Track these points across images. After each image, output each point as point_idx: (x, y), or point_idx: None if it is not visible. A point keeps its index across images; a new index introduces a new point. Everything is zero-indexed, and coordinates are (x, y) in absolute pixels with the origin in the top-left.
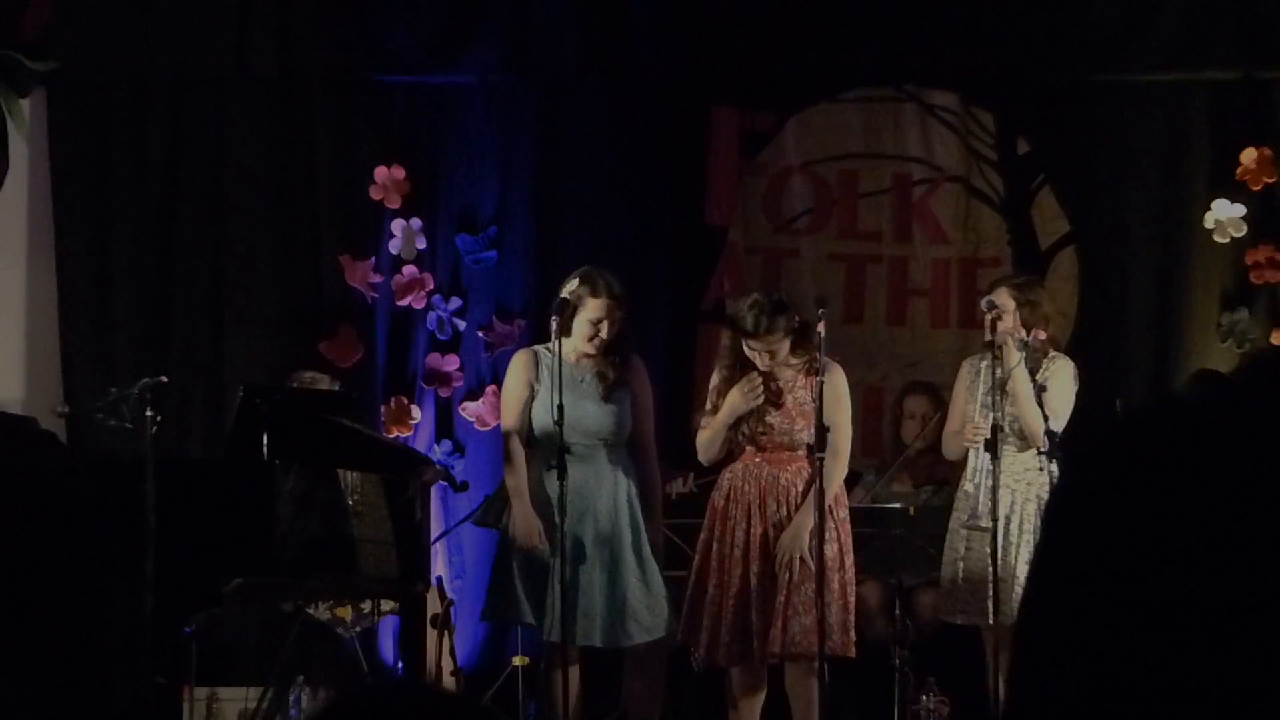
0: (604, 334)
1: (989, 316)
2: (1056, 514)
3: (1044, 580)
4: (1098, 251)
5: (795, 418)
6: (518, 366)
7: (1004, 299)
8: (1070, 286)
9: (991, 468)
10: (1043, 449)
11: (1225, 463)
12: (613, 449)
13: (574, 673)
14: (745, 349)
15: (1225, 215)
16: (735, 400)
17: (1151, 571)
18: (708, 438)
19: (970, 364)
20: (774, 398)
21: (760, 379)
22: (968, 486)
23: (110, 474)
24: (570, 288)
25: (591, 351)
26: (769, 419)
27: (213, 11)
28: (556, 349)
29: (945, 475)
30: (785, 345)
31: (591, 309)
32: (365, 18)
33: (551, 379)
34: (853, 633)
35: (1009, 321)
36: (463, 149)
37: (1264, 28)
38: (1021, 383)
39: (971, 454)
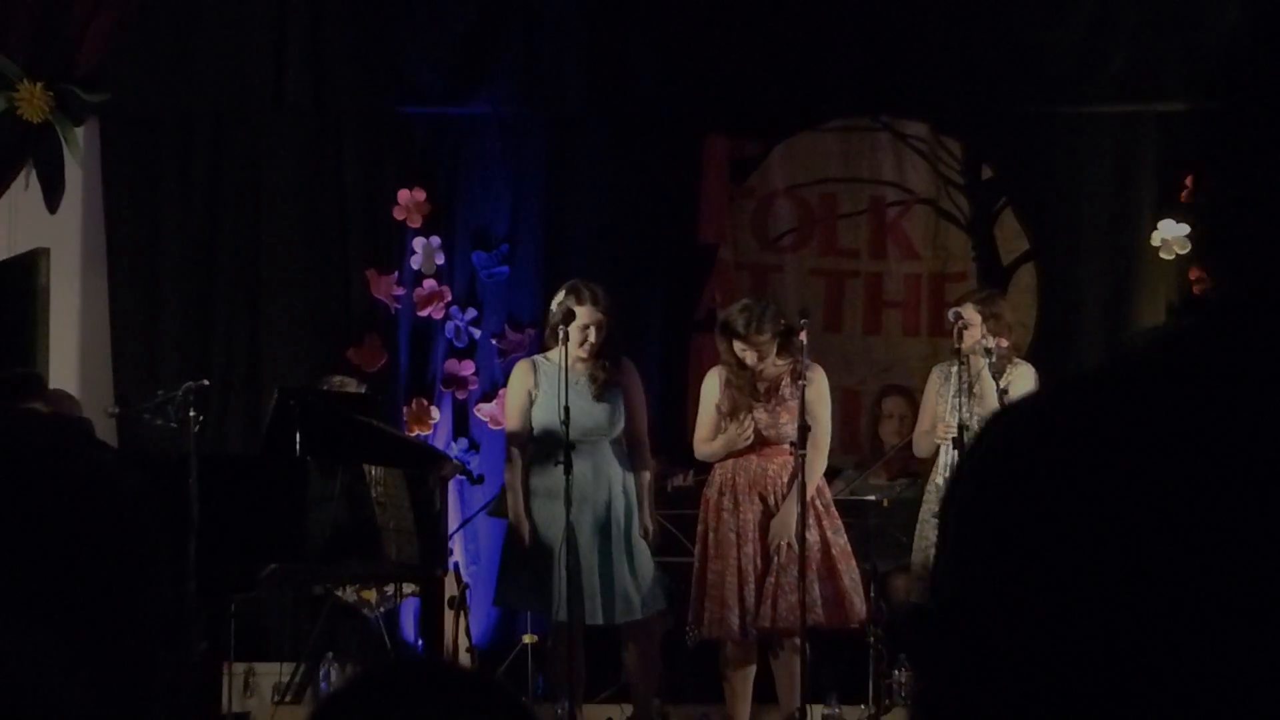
0: (592, 339)
1: (956, 327)
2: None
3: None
4: (1055, 267)
5: (781, 415)
6: (517, 376)
7: (970, 313)
8: (1030, 299)
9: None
10: None
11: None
12: (608, 443)
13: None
14: (735, 350)
15: (1171, 234)
16: (732, 437)
17: (1065, 548)
18: (710, 451)
19: (940, 369)
20: (760, 395)
21: (752, 424)
22: (938, 480)
23: (157, 469)
24: (558, 299)
25: (584, 356)
26: (756, 415)
27: (251, 48)
28: (562, 356)
29: (916, 469)
30: (773, 347)
31: (581, 317)
32: (391, 54)
33: (552, 384)
34: (860, 604)
35: (976, 334)
36: (478, 174)
37: (1208, 64)
38: (988, 386)
39: (941, 450)
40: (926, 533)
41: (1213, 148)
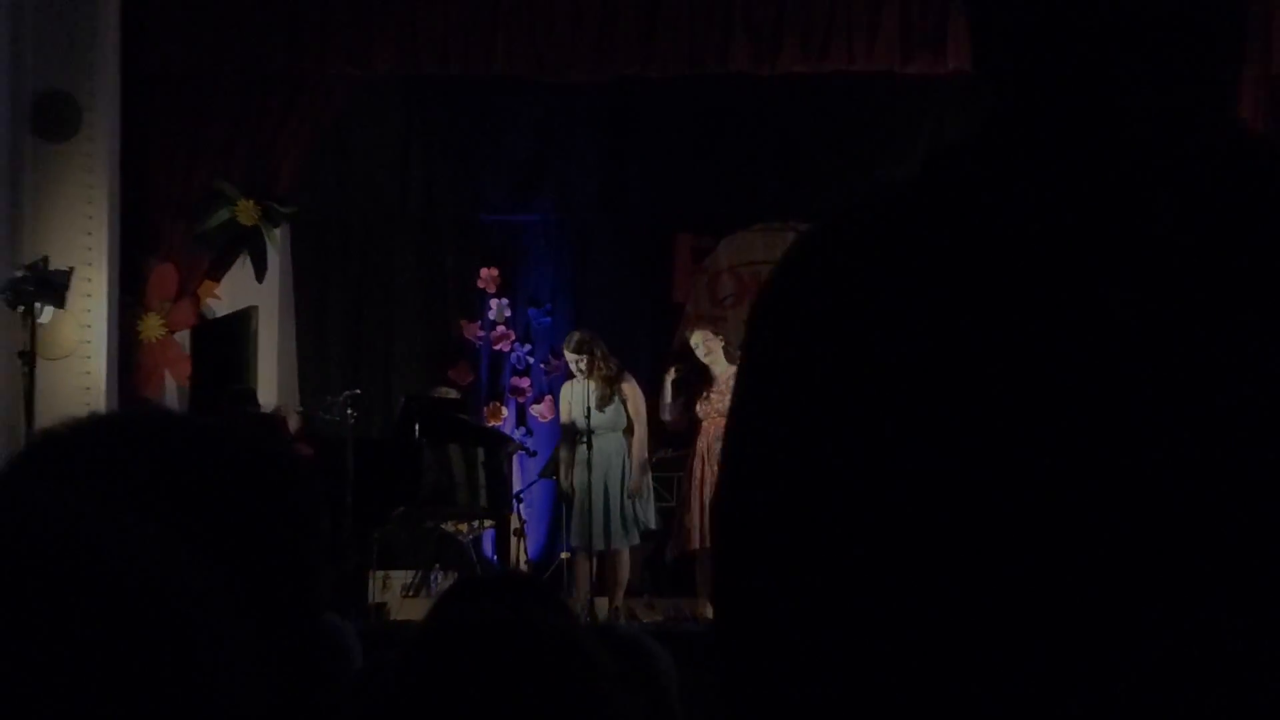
0: (581, 367)
1: None
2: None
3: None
4: None
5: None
6: (562, 392)
7: None
8: None
9: None
10: None
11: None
12: (613, 434)
13: (588, 566)
14: (692, 347)
15: None
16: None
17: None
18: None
19: None
20: (717, 388)
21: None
22: None
23: (327, 449)
24: (565, 344)
25: (580, 379)
26: (715, 401)
27: (385, 175)
28: (584, 378)
29: None
30: (719, 346)
31: (567, 357)
32: (474, 179)
33: (579, 396)
34: None
35: None
36: (531, 258)
37: None
38: None
39: None
40: None
41: None
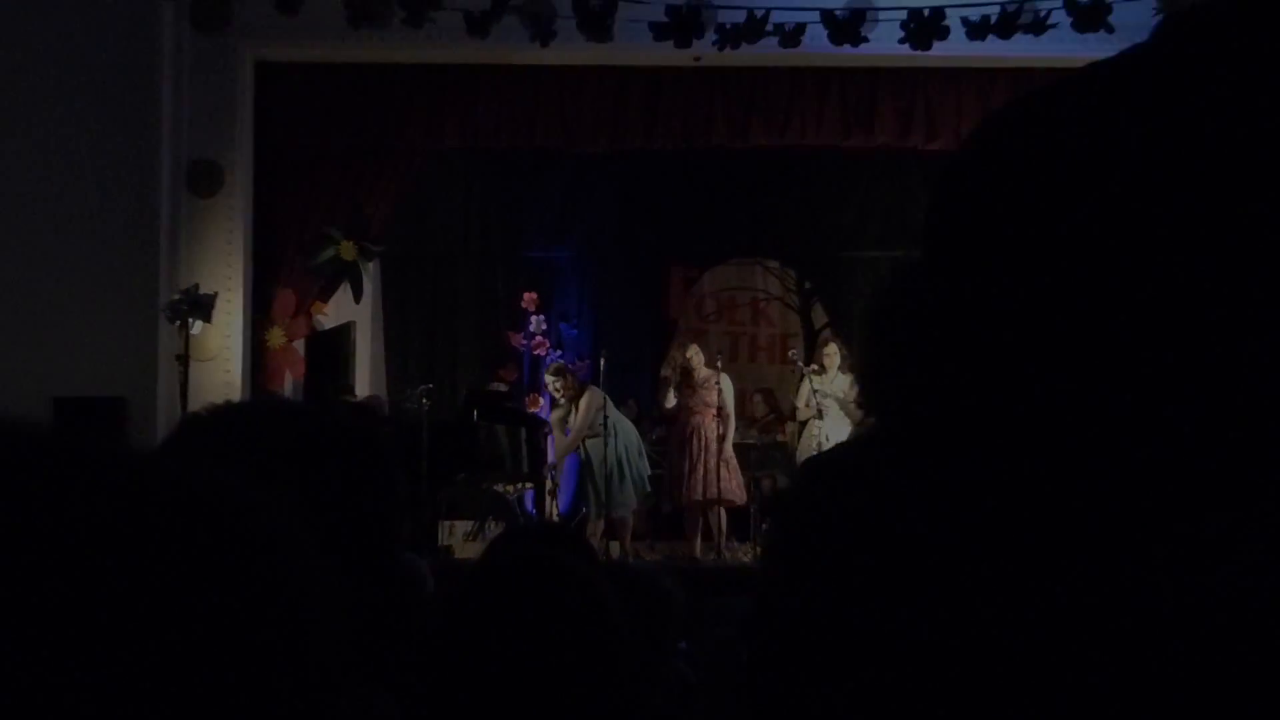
0: (558, 386)
1: (799, 362)
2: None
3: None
4: (848, 334)
5: (711, 394)
6: (587, 393)
7: (823, 354)
8: (832, 348)
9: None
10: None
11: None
12: (622, 422)
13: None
14: (688, 356)
15: None
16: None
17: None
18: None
19: (809, 385)
20: (699, 385)
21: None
22: (813, 430)
23: (406, 429)
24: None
25: (560, 395)
26: (695, 395)
27: (451, 220)
28: (560, 396)
29: (765, 426)
30: (700, 357)
31: (547, 379)
32: (519, 221)
33: (598, 397)
34: (743, 490)
35: (834, 363)
36: (562, 284)
37: None
38: (838, 391)
39: (810, 425)
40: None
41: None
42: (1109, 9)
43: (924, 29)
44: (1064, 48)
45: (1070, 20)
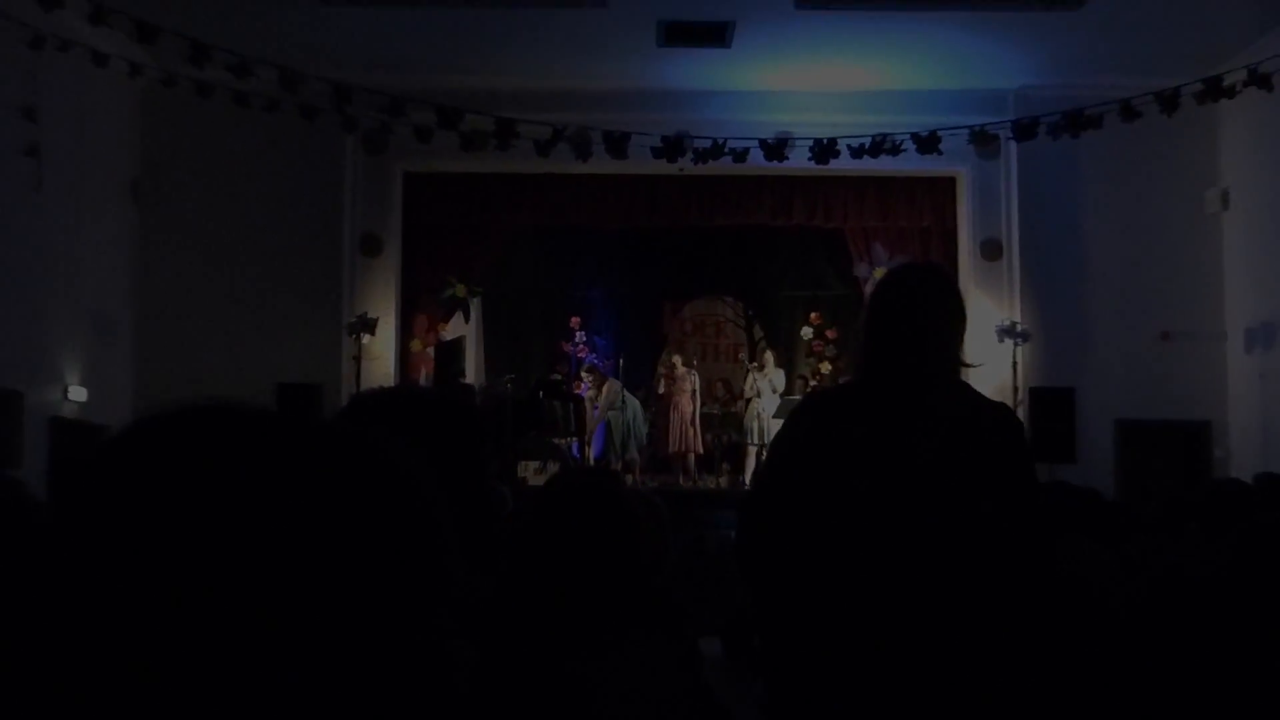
0: (590, 380)
1: (746, 361)
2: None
3: None
4: (776, 344)
5: (687, 384)
6: (608, 384)
7: (758, 360)
8: (769, 354)
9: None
10: None
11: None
12: (617, 410)
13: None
14: (674, 362)
15: None
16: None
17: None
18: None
19: (752, 377)
20: (680, 378)
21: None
22: (755, 408)
23: (497, 403)
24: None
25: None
26: (675, 383)
27: (523, 270)
28: (591, 388)
29: (740, 415)
30: (679, 361)
31: (584, 375)
32: (566, 273)
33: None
34: (700, 444)
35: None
36: (595, 312)
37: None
38: (771, 382)
39: (753, 403)
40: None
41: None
42: (939, 139)
43: (824, 151)
44: (912, 164)
45: (914, 146)
